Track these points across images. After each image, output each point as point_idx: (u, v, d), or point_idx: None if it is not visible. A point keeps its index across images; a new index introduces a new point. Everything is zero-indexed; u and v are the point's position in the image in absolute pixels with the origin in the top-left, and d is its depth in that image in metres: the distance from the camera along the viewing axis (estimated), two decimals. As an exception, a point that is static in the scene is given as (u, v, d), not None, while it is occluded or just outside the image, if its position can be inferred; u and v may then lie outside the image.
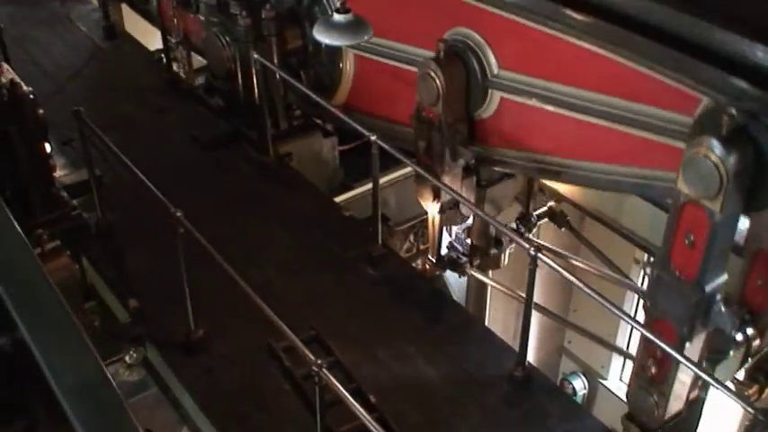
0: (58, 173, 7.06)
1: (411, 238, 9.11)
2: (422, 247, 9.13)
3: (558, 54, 5.60)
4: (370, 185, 8.37)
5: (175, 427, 9.72)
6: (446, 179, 6.33)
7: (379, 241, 6.64)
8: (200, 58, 8.76)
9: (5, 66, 6.59)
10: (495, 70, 6.04)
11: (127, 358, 6.07)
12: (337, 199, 7.99)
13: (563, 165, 5.98)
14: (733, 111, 4.19)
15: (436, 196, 6.57)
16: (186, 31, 8.63)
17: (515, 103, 6.05)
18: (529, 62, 5.88)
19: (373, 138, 5.99)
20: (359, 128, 6.19)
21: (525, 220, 7.99)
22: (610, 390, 11.87)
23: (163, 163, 7.52)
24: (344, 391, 4.37)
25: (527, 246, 5.18)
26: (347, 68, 7.66)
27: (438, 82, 6.02)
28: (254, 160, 7.82)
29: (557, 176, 6.30)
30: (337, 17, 4.99)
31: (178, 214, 5.31)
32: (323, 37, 5.04)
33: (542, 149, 6.06)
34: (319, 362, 4.36)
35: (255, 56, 7.18)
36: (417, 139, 6.42)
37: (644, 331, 4.80)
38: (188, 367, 5.76)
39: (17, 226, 3.37)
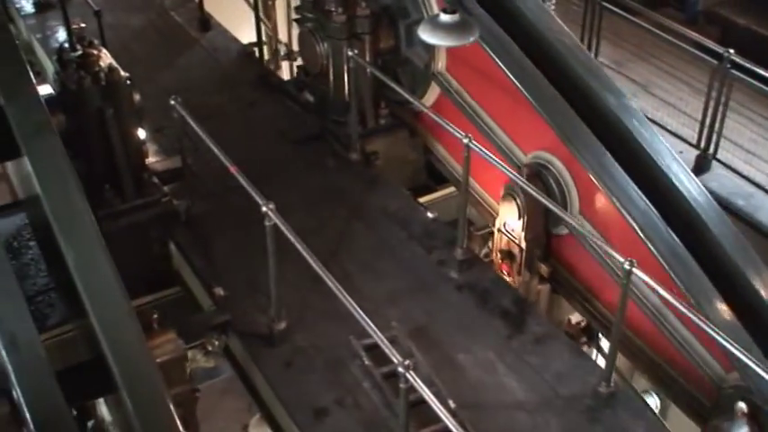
0: (150, 159, 7.18)
1: (489, 243, 9.03)
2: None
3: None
4: (452, 188, 8.38)
5: (242, 416, 9.85)
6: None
7: (464, 245, 6.58)
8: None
9: (104, 50, 6.71)
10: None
11: (209, 346, 6.12)
12: (420, 200, 7.95)
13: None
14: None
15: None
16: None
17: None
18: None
19: (465, 140, 5.94)
20: (452, 129, 6.14)
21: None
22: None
23: (250, 155, 7.56)
24: (430, 394, 4.32)
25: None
26: (439, 69, 7.65)
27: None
28: (340, 157, 7.83)
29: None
30: (444, 17, 4.96)
31: (270, 207, 5.32)
32: (428, 37, 5.02)
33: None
34: (407, 363, 4.33)
35: (349, 53, 7.18)
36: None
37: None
38: (269, 359, 5.78)
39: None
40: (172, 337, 5.32)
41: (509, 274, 6.96)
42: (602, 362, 7.13)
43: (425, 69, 7.80)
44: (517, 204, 6.62)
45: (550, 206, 5.76)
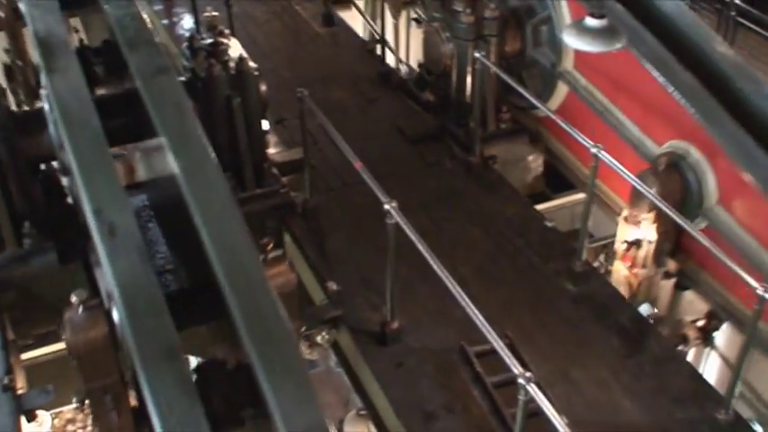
0: (270, 150, 7.22)
1: (601, 257, 8.81)
2: (610, 267, 8.84)
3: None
4: (570, 197, 8.21)
5: (338, 411, 9.87)
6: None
7: (583, 257, 6.41)
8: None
9: (235, 40, 6.77)
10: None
11: (319, 338, 6.12)
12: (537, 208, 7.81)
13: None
14: None
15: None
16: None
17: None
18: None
19: (594, 150, 5.77)
20: (580, 137, 5.98)
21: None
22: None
23: (368, 152, 7.53)
24: (551, 408, 4.19)
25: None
26: (566, 68, 7.52)
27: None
28: (458, 158, 7.74)
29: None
30: (590, 21, 4.81)
31: (392, 205, 5.27)
32: (574, 42, 4.88)
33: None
34: (528, 375, 4.21)
35: (476, 54, 7.08)
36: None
37: None
38: (380, 358, 5.73)
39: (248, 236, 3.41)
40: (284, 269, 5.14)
41: (632, 266, 6.74)
42: (713, 365, 6.90)
43: (552, 69, 7.65)
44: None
45: (677, 219, 5.54)
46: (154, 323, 3.04)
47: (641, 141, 6.97)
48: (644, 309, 6.95)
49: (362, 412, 7.81)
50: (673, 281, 6.84)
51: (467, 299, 4.78)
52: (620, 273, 6.91)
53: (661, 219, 6.43)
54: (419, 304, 6.11)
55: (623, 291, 6.70)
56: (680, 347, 6.76)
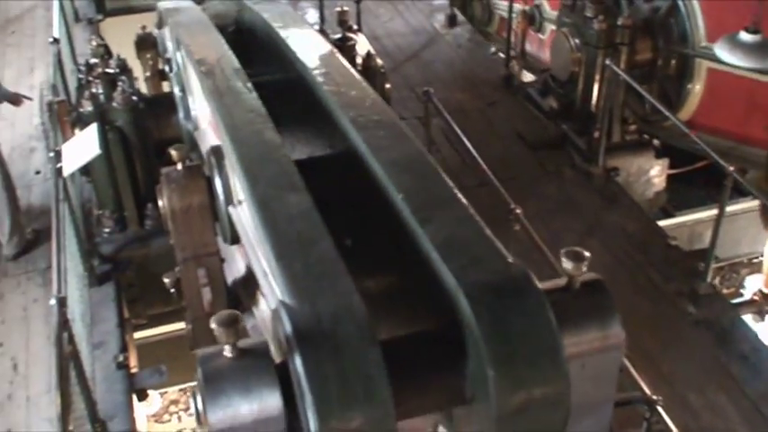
0: (389, 148, 7.19)
1: (717, 279, 8.51)
2: (725, 290, 8.54)
3: None
4: (693, 215, 7.94)
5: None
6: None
7: (708, 279, 6.16)
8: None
9: (362, 36, 6.75)
10: None
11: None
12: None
13: None
14: None
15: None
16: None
17: None
18: None
19: (731, 169, 5.53)
20: (716, 157, 5.74)
21: None
22: None
23: (486, 155, 7.42)
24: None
25: None
26: (697, 85, 7.24)
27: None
28: (579, 168, 7.55)
29: None
30: (744, 36, 4.60)
31: (518, 211, 5.15)
32: (727, 56, 4.67)
33: None
34: (655, 397, 4.05)
35: (607, 62, 6.90)
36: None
37: None
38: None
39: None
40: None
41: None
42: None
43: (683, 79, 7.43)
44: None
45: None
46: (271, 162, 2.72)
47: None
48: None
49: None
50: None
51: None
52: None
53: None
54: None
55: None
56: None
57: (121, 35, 9.11)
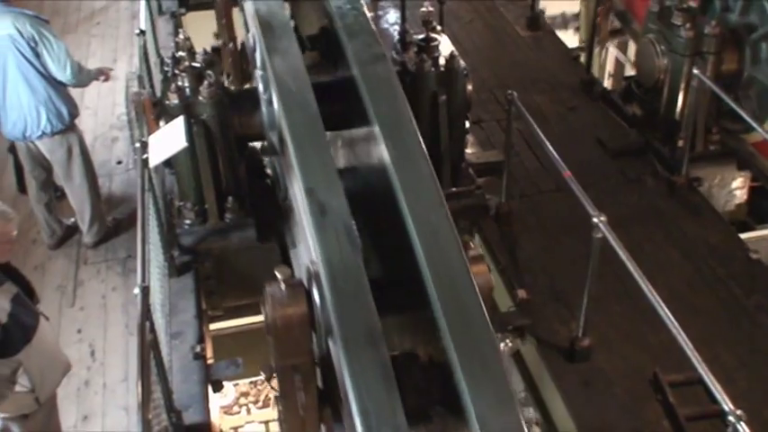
0: (467, 150, 7.15)
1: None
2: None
3: None
4: (772, 229, 7.75)
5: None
6: None
7: (794, 294, 6.00)
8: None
9: (445, 37, 6.73)
10: None
11: (501, 346, 5.99)
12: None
13: None
14: None
15: None
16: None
17: None
18: None
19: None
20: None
21: None
22: None
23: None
24: (761, 452, 3.92)
25: None
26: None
27: None
28: (660, 177, 7.41)
29: None
30: None
31: (601, 219, 5.07)
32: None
33: None
34: (738, 412, 3.95)
35: (695, 71, 6.75)
36: None
37: None
38: (567, 374, 5.55)
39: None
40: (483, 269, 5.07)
41: None
42: None
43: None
44: None
45: None
46: (358, 306, 3.03)
47: None
48: None
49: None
50: None
51: (676, 324, 4.53)
52: None
53: None
54: (611, 323, 5.89)
55: None
56: None
57: (203, 29, 9.26)
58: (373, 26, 5.26)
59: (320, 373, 3.63)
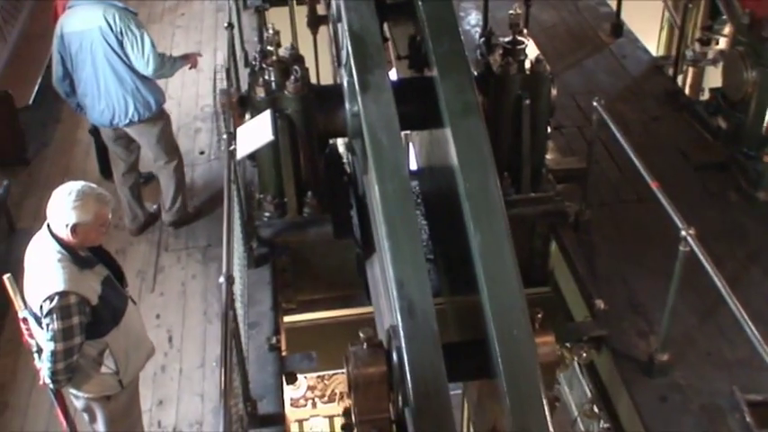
0: (547, 156, 7.09)
1: None
2: None
3: None
4: None
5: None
6: None
7: None
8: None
9: (531, 41, 6.67)
10: None
11: (575, 357, 5.94)
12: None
13: None
14: None
15: None
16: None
17: None
18: None
19: None
20: None
21: None
22: None
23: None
24: None
25: None
26: None
27: None
28: (744, 192, 7.25)
29: None
30: None
31: (689, 232, 4.98)
32: None
33: None
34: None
35: (786, 85, 6.61)
36: None
37: None
38: (643, 388, 5.46)
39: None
40: (551, 340, 5.14)
41: None
42: None
43: None
44: None
45: None
46: (432, 373, 3.35)
47: None
48: None
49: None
50: None
51: (762, 342, 4.44)
52: None
53: None
54: (689, 339, 5.79)
55: None
56: None
57: (285, 24, 9.35)
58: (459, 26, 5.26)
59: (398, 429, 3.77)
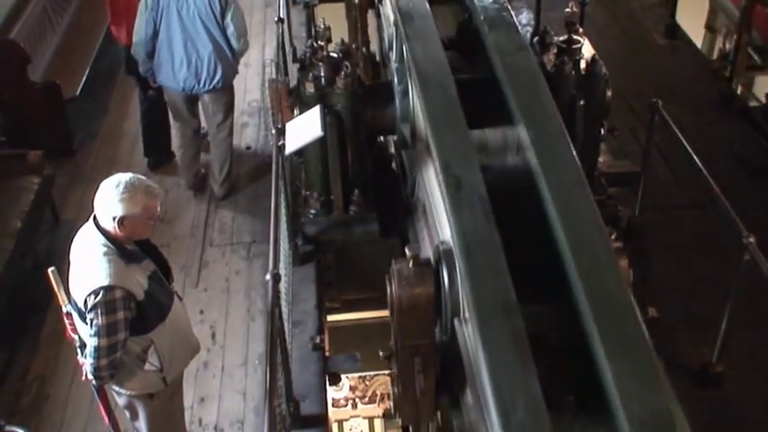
0: (599, 159, 6.93)
1: None
2: None
3: None
4: None
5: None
6: None
7: None
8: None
9: (586, 40, 6.53)
10: None
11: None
12: None
13: None
14: None
15: None
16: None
17: None
18: None
19: None
20: None
21: None
22: None
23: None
24: None
25: None
26: None
27: None
28: (800, 200, 7.06)
29: None
30: None
31: (750, 240, 4.82)
32: None
33: None
34: None
35: None
36: None
37: None
38: (696, 399, 5.31)
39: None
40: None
41: None
42: None
43: None
44: None
45: None
46: (494, 278, 2.91)
47: None
48: None
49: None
50: None
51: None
52: None
53: None
54: (744, 350, 5.62)
55: None
56: None
57: (334, 20, 9.27)
58: (515, 19, 5.14)
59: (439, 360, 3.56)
